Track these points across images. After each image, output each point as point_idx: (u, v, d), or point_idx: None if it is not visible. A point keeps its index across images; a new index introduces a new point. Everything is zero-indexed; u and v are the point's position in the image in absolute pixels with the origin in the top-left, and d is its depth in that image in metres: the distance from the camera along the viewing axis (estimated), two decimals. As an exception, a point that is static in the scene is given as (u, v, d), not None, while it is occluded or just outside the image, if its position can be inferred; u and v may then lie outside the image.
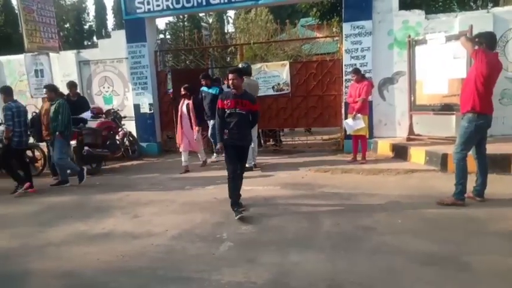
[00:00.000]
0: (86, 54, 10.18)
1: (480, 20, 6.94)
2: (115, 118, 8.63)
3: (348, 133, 7.44)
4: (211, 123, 7.83)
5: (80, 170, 6.70)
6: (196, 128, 7.23)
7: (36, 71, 9.76)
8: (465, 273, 2.99)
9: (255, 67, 8.63)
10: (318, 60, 8.93)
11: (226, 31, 33.03)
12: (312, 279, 3.02)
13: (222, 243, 3.80)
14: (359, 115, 6.89)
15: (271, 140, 9.55)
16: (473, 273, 3.00)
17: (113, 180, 7.06)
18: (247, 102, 4.59)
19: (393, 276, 3.00)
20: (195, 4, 8.57)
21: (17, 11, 10.69)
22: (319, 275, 3.07)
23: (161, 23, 45.14)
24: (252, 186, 5.57)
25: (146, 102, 9.39)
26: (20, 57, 10.25)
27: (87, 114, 8.12)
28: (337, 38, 9.26)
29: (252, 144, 5.75)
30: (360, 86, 6.92)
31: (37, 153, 7.83)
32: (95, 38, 42.13)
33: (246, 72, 6.42)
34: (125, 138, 8.81)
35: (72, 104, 8.05)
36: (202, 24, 34.09)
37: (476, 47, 4.40)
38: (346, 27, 7.86)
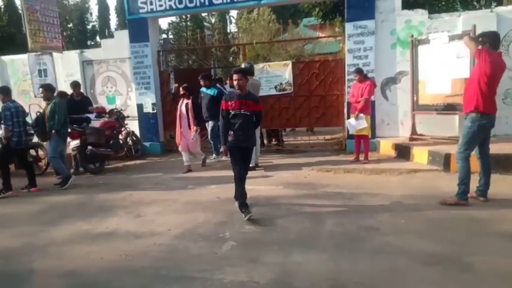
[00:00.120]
0: (89, 54, 10.21)
1: (483, 20, 6.91)
2: (118, 118, 8.66)
3: (350, 133, 7.44)
4: (210, 124, 7.85)
5: (67, 175, 6.62)
6: (194, 128, 7.19)
7: (39, 70, 9.80)
8: (468, 274, 2.99)
9: (258, 67, 8.63)
10: (320, 60, 8.94)
11: (228, 31, 33.02)
12: (314, 279, 3.02)
13: (225, 243, 3.80)
14: (361, 115, 6.89)
15: (273, 139, 9.56)
16: (476, 273, 2.99)
17: (116, 179, 7.08)
18: (252, 103, 4.54)
19: (396, 277, 3.00)
20: (198, 4, 8.58)
21: (20, 11, 10.73)
22: (322, 275, 3.07)
23: (164, 23, 45.12)
24: (254, 186, 5.57)
25: (149, 102, 9.41)
26: (23, 57, 10.29)
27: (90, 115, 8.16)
28: (339, 38, 9.27)
29: (254, 143, 5.74)
30: (362, 86, 6.91)
31: (40, 153, 7.86)
32: (98, 38, 42.20)
33: (249, 72, 6.42)
34: (128, 138, 8.83)
35: (75, 103, 8.11)
36: (205, 24, 34.10)
37: (480, 47, 4.38)
38: (349, 27, 7.85)
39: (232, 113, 4.47)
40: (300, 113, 8.70)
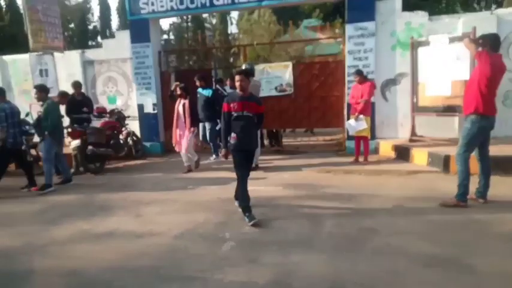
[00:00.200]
0: (91, 54, 10.23)
1: (483, 22, 6.93)
2: (119, 118, 8.67)
3: (350, 134, 7.46)
4: (207, 126, 7.86)
5: (49, 184, 6.39)
6: (191, 129, 7.11)
7: (40, 70, 9.82)
8: (468, 275, 2.99)
9: (258, 68, 8.65)
10: (320, 61, 8.98)
11: (229, 32, 33.03)
12: (313, 279, 3.03)
13: (225, 243, 3.81)
14: (361, 116, 6.90)
15: (274, 140, 9.59)
16: (476, 275, 3.00)
17: (116, 179, 7.09)
18: (254, 105, 4.44)
19: (395, 278, 3.01)
20: (199, 5, 8.59)
21: (22, 11, 10.75)
22: (321, 275, 3.08)
23: (165, 23, 45.19)
24: (254, 187, 5.53)
25: (150, 102, 9.43)
26: (25, 57, 10.31)
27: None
28: (339, 39, 9.29)
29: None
30: (362, 87, 6.93)
31: (41, 153, 7.86)
32: (99, 38, 42.26)
33: (251, 73, 6.44)
34: (129, 138, 8.85)
35: (76, 103, 8.12)
36: (206, 25, 34.15)
37: (480, 49, 4.40)
38: (349, 29, 7.86)
39: (235, 115, 4.36)
40: (300, 114, 8.72)
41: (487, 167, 4.58)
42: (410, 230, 3.91)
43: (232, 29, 35.65)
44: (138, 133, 9.40)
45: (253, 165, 6.76)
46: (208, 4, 8.54)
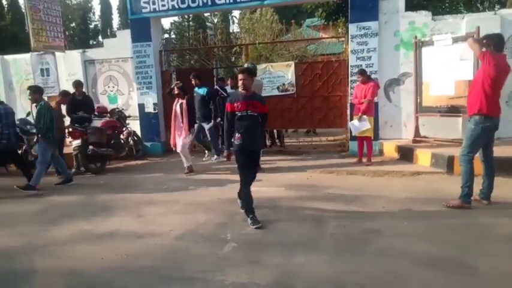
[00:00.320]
0: (92, 53, 10.22)
1: (487, 22, 6.88)
2: (120, 117, 8.64)
3: (353, 134, 7.41)
4: (206, 126, 7.82)
5: (33, 186, 6.14)
6: (188, 132, 6.99)
7: (42, 70, 9.80)
8: (471, 277, 2.96)
9: (260, 67, 8.62)
10: (323, 61, 8.92)
11: (231, 31, 33.04)
12: (316, 281, 3.00)
13: (226, 244, 3.78)
14: (365, 116, 6.86)
15: (277, 141, 9.56)
16: (480, 276, 2.97)
17: (117, 179, 7.06)
18: (258, 104, 4.34)
19: (398, 279, 2.98)
20: (201, 4, 8.57)
21: (23, 10, 10.74)
22: (324, 276, 3.05)
23: (166, 22, 45.23)
24: (256, 187, 5.49)
25: (151, 101, 9.40)
26: (26, 56, 10.30)
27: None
28: (342, 39, 9.24)
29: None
30: (365, 87, 6.89)
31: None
32: (100, 38, 42.36)
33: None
34: (130, 138, 8.82)
35: (77, 103, 8.10)
36: (208, 24, 34.18)
37: (484, 49, 4.36)
38: (352, 28, 7.83)
39: (239, 114, 4.27)
40: (303, 114, 8.68)
41: (491, 168, 4.55)
42: (414, 232, 3.88)
43: (234, 28, 35.70)
44: (138, 133, 9.38)
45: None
46: (209, 3, 8.51)
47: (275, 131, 9.55)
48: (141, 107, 9.50)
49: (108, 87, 10.06)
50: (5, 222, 4.94)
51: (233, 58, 15.53)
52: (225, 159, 4.67)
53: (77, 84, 8.42)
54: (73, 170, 7.52)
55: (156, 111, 9.40)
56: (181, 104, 7.01)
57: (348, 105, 7.95)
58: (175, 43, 14.02)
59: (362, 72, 7.02)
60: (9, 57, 11.00)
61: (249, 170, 4.42)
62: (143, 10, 9.04)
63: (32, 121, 7.67)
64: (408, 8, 7.81)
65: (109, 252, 3.74)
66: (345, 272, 3.11)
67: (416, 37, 7.38)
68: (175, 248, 3.77)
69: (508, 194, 4.77)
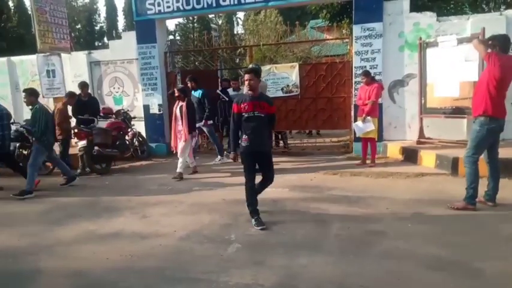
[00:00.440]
0: (97, 55, 10.28)
1: (493, 23, 6.85)
2: (125, 118, 8.69)
3: (357, 135, 7.40)
4: (205, 128, 7.82)
5: (29, 190, 6.07)
6: (188, 136, 6.86)
7: (48, 71, 9.87)
8: (476, 279, 2.95)
9: (264, 69, 8.63)
10: (327, 62, 8.90)
11: (235, 32, 33.10)
12: (320, 282, 3.00)
13: (230, 245, 3.79)
14: (369, 117, 6.85)
15: (280, 142, 9.55)
16: (485, 279, 2.96)
17: (122, 180, 7.10)
18: (266, 105, 4.29)
19: (402, 281, 2.97)
20: (205, 5, 8.59)
21: (30, 12, 10.81)
22: (328, 278, 3.05)
23: (171, 24, 45.43)
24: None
25: (156, 103, 9.44)
26: (32, 58, 10.37)
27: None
28: (347, 40, 9.23)
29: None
30: (369, 89, 6.88)
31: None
32: (105, 39, 42.55)
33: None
34: (134, 139, 8.86)
35: (83, 104, 8.16)
36: (212, 25, 34.22)
37: (489, 50, 4.34)
38: (356, 29, 7.82)
39: (246, 115, 4.21)
40: (307, 115, 8.68)
41: (496, 169, 4.52)
42: (418, 233, 3.86)
43: (238, 29, 35.76)
44: (143, 134, 9.41)
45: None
46: (214, 4, 8.54)
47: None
48: (146, 108, 9.54)
49: (114, 88, 10.11)
50: (11, 222, 4.98)
51: (237, 59, 15.54)
52: (231, 160, 4.64)
53: (83, 85, 8.48)
54: (78, 171, 7.57)
55: (161, 112, 9.43)
56: (181, 107, 6.93)
57: (352, 106, 7.94)
58: (180, 44, 14.03)
59: (366, 74, 7.02)
60: (15, 59, 11.09)
61: (254, 173, 4.35)
62: (148, 12, 9.08)
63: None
64: (413, 9, 7.78)
65: (114, 252, 3.76)
66: (348, 274, 3.11)
67: (420, 38, 7.35)
68: (179, 249, 3.78)
69: (514, 196, 4.75)
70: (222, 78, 10.56)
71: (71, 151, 7.75)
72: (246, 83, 4.29)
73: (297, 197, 5.32)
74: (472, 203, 4.41)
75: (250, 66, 6.64)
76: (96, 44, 40.91)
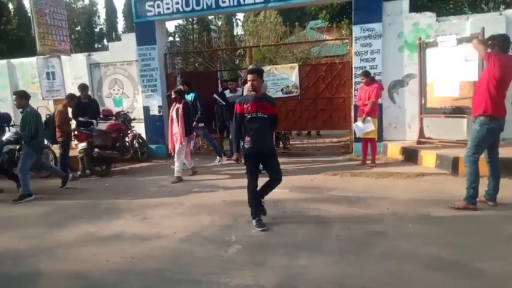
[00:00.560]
0: (97, 56, 10.29)
1: (492, 23, 6.85)
2: (125, 120, 8.69)
3: (357, 136, 7.40)
4: (200, 131, 7.80)
5: (27, 193, 6.04)
6: (184, 138, 6.78)
7: (47, 73, 9.87)
8: (477, 279, 2.94)
9: (264, 69, 8.58)
10: (327, 63, 8.91)
11: (235, 34, 33.12)
12: (320, 283, 2.99)
13: (231, 246, 3.79)
14: (369, 118, 6.85)
15: (280, 142, 9.55)
16: (485, 279, 2.95)
17: (122, 182, 7.10)
18: (268, 105, 4.26)
19: (403, 282, 2.96)
20: (205, 7, 8.60)
21: (29, 15, 10.82)
22: (328, 278, 3.05)
23: (171, 25, 45.50)
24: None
25: (155, 104, 9.44)
26: (32, 60, 10.39)
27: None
28: (346, 41, 9.25)
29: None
30: (369, 89, 6.88)
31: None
32: (105, 41, 42.61)
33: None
34: (135, 140, 8.86)
35: (83, 106, 8.16)
36: (212, 27, 34.27)
37: (489, 50, 4.34)
38: (356, 30, 7.82)
39: (248, 116, 4.17)
40: (307, 116, 8.68)
41: (497, 169, 4.52)
42: (419, 233, 3.86)
43: (238, 30, 35.80)
44: (143, 135, 9.41)
45: (261, 166, 6.70)
46: (214, 6, 8.54)
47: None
48: (146, 109, 9.54)
49: (114, 90, 10.12)
50: (11, 225, 4.98)
51: (237, 61, 15.56)
52: (231, 161, 4.59)
53: (82, 87, 8.48)
54: (79, 173, 7.57)
55: (161, 113, 9.43)
56: (177, 109, 6.86)
57: (352, 107, 7.94)
58: (179, 46, 14.07)
59: (366, 74, 7.02)
60: (15, 61, 11.11)
61: (257, 175, 4.32)
62: (148, 13, 9.10)
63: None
64: (412, 9, 7.78)
65: (114, 254, 3.76)
66: (349, 274, 3.10)
67: (420, 38, 7.35)
68: (179, 251, 3.78)
69: (514, 196, 4.74)
70: (222, 79, 10.56)
71: (71, 153, 7.75)
72: (249, 83, 4.25)
73: (297, 198, 5.32)
74: (472, 202, 4.40)
75: (251, 66, 6.52)
76: (96, 46, 41.00)
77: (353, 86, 7.93)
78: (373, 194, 5.29)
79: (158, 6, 8.96)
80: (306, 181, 6.26)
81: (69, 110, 7.74)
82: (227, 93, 8.58)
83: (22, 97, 6.23)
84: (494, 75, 4.23)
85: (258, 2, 8.30)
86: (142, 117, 9.59)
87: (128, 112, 9.24)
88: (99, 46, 40.74)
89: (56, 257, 3.83)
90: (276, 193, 5.45)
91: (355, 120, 7.40)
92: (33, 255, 3.87)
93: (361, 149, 7.24)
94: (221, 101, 8.40)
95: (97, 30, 46.84)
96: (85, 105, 8.26)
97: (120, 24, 46.55)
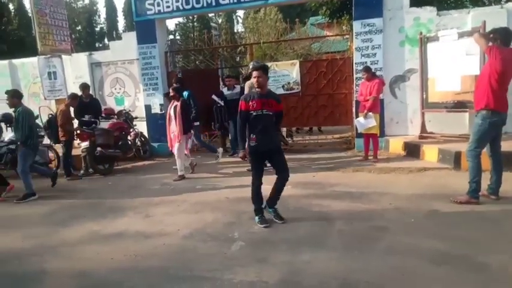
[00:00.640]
0: (98, 56, 10.29)
1: (493, 16, 6.81)
2: (127, 119, 8.71)
3: (359, 131, 7.39)
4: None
5: (31, 192, 6.06)
6: (182, 136, 6.74)
7: (49, 73, 9.89)
8: (480, 273, 2.95)
9: (265, 66, 8.59)
10: (328, 59, 8.88)
11: (235, 31, 33.06)
12: (323, 278, 3.00)
13: (234, 243, 3.80)
14: (370, 113, 6.84)
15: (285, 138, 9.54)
16: (489, 273, 2.95)
17: (125, 180, 7.12)
18: (274, 102, 4.22)
19: (407, 276, 2.97)
20: (205, 4, 8.57)
21: (30, 15, 10.83)
22: (331, 274, 3.06)
23: (171, 23, 45.44)
24: (262, 185, 5.54)
25: (157, 102, 9.44)
26: (33, 60, 10.40)
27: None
28: (347, 36, 9.20)
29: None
30: (370, 84, 6.86)
31: (51, 154, 7.95)
32: (106, 40, 42.63)
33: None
34: (137, 139, 8.88)
35: (84, 105, 8.18)
36: (212, 24, 34.23)
37: (491, 43, 4.32)
38: (357, 25, 7.79)
39: (254, 113, 4.12)
40: (308, 112, 8.67)
41: (499, 163, 4.51)
42: (421, 228, 3.86)
43: (238, 27, 35.73)
44: (145, 134, 9.43)
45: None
46: (214, 3, 8.51)
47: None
48: (148, 108, 9.55)
49: (115, 89, 10.12)
50: (16, 224, 5.01)
51: (238, 58, 15.54)
52: (242, 159, 4.54)
53: (84, 87, 8.50)
54: (82, 172, 7.60)
55: (163, 112, 9.40)
56: (175, 107, 6.81)
57: (354, 102, 7.92)
58: (180, 44, 14.04)
59: (367, 70, 7.01)
60: (16, 61, 11.12)
61: (262, 172, 4.30)
62: (148, 12, 9.08)
63: (41, 124, 7.77)
64: (413, 3, 7.74)
65: (118, 252, 3.78)
66: (352, 270, 3.11)
67: (421, 33, 7.32)
68: (183, 248, 3.79)
69: (517, 189, 4.73)
70: (225, 76, 10.54)
71: (74, 152, 7.78)
72: (255, 80, 4.20)
73: (300, 194, 5.32)
74: (475, 196, 4.40)
75: (255, 63, 6.42)
76: (97, 45, 41.01)
77: (354, 81, 7.91)
78: (376, 189, 5.29)
79: (158, 5, 8.94)
80: (308, 177, 6.26)
81: (72, 109, 7.76)
82: (225, 90, 8.53)
83: (14, 96, 6.13)
84: (496, 69, 4.22)
85: (258, -2, 8.28)
86: (144, 115, 9.60)
87: (129, 111, 9.24)
88: (100, 45, 40.74)
89: (61, 255, 3.86)
90: (278, 189, 5.48)
91: (357, 116, 7.38)
92: (37, 254, 3.89)
93: (363, 144, 7.24)
94: (220, 102, 8.36)
95: (97, 29, 46.82)
96: (87, 104, 8.28)
97: (121, 23, 46.55)
